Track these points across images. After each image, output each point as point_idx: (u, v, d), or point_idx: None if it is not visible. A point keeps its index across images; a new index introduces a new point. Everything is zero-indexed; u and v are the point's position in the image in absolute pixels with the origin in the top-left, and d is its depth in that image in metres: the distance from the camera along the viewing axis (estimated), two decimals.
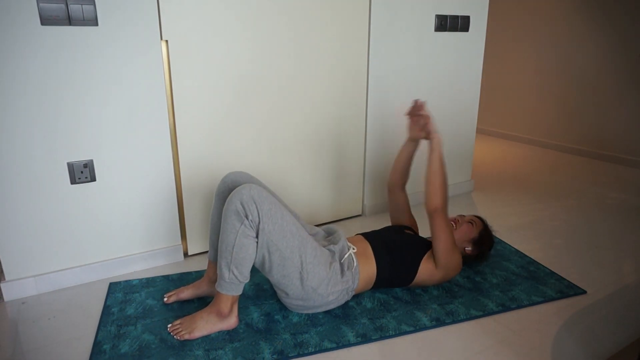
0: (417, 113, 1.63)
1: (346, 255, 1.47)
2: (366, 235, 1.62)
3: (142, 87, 1.63)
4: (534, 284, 1.68)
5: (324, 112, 2.08)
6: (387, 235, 1.61)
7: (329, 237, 1.60)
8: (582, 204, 2.52)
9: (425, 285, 1.62)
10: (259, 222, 1.29)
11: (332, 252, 1.46)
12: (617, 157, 3.36)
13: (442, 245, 1.51)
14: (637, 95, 3.19)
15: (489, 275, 1.74)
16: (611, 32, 3.27)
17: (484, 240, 1.68)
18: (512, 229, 2.19)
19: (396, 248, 1.55)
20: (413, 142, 1.72)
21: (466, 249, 1.67)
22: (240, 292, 1.36)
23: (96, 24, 1.50)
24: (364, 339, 1.37)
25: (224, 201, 1.46)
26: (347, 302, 1.54)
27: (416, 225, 1.83)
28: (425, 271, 1.56)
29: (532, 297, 1.59)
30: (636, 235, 2.11)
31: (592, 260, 1.88)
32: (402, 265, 1.55)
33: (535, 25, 3.77)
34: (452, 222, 1.67)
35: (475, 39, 2.45)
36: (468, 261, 1.73)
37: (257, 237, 1.31)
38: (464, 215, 1.73)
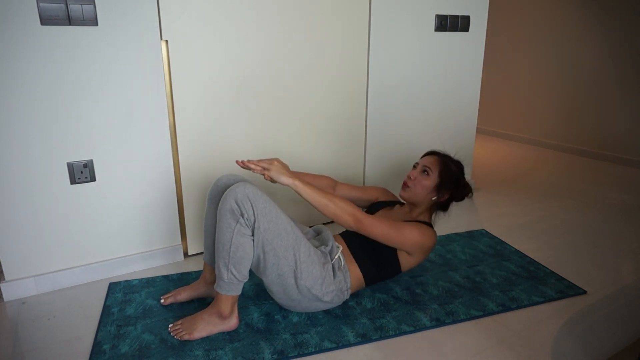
0: (253, 171, 1.42)
1: (336, 256, 1.46)
2: (342, 236, 1.60)
3: (142, 87, 1.63)
4: (534, 284, 1.68)
5: (324, 112, 2.08)
6: (357, 235, 1.55)
7: (318, 237, 1.59)
8: (582, 204, 2.52)
9: (417, 265, 1.57)
10: (254, 221, 1.29)
11: (324, 253, 1.46)
12: (617, 157, 3.36)
13: (387, 240, 1.44)
14: (638, 95, 3.19)
15: (489, 275, 1.74)
16: (612, 31, 3.26)
17: (448, 179, 1.55)
18: (512, 229, 2.19)
19: (369, 246, 1.51)
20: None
21: (433, 199, 1.55)
22: (239, 292, 1.36)
23: (96, 24, 1.50)
24: (364, 339, 1.37)
25: (217, 205, 1.45)
26: (347, 302, 1.54)
27: (384, 192, 1.76)
28: (406, 258, 1.51)
29: (532, 297, 1.59)
30: (636, 236, 2.11)
31: (592, 260, 1.88)
32: (382, 260, 1.51)
33: (536, 25, 3.77)
34: (405, 185, 1.57)
35: (475, 39, 2.45)
36: (446, 207, 1.61)
37: (252, 235, 1.31)
38: (415, 166, 1.60)
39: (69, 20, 1.46)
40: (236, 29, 1.76)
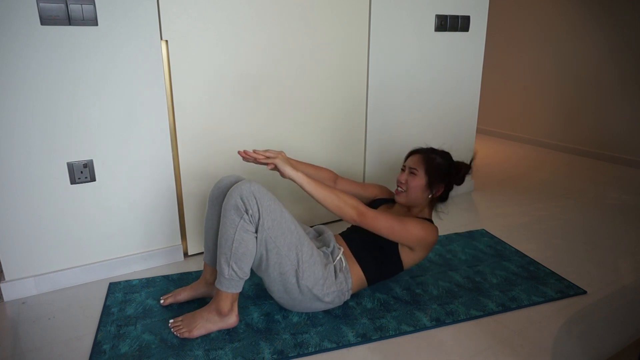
0: (258, 162, 1.43)
1: (337, 258, 1.46)
2: (342, 236, 1.59)
3: (142, 87, 1.63)
4: (534, 284, 1.68)
5: (324, 112, 2.08)
6: (358, 234, 1.56)
7: (320, 237, 1.59)
8: (582, 204, 2.52)
9: (419, 262, 1.57)
10: (259, 218, 1.29)
11: (326, 254, 1.46)
12: (617, 157, 3.36)
13: (390, 234, 1.43)
14: (637, 95, 3.19)
15: (489, 275, 1.74)
16: (611, 31, 3.27)
17: (437, 174, 1.54)
18: (512, 229, 2.19)
19: (371, 244, 1.51)
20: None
21: (429, 196, 1.55)
22: (240, 290, 1.35)
23: (96, 24, 1.50)
24: (364, 339, 1.37)
25: (219, 206, 1.44)
26: (347, 302, 1.54)
27: (383, 190, 1.74)
28: (408, 255, 1.51)
29: (532, 297, 1.59)
30: (636, 236, 2.11)
31: (592, 260, 1.88)
32: (385, 259, 1.51)
33: (536, 25, 3.77)
34: (398, 191, 1.58)
35: (475, 39, 2.45)
36: (445, 197, 1.61)
37: (256, 232, 1.31)
38: (403, 170, 1.59)
39: (69, 20, 1.46)
40: (236, 29, 1.76)
